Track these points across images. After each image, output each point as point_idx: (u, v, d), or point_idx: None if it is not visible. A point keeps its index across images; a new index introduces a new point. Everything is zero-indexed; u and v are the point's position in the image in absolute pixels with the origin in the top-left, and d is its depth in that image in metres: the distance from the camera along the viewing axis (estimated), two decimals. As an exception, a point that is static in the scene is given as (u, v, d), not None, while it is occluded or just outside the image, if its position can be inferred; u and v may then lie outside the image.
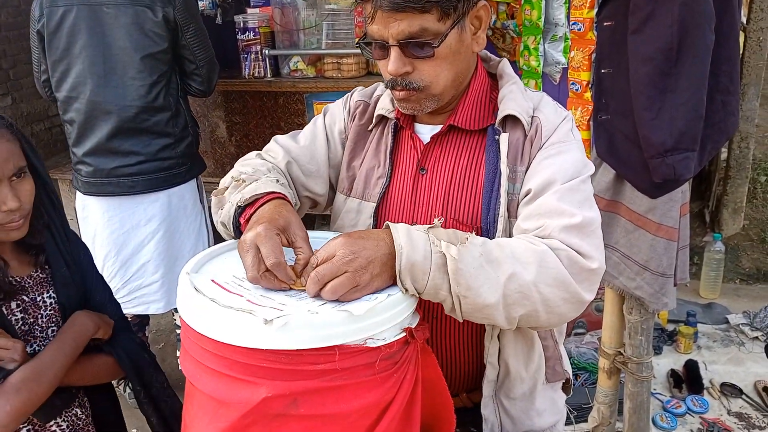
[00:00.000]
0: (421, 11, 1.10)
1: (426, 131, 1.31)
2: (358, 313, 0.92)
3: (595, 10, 2.52)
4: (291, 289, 1.04)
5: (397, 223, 1.07)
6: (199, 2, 4.17)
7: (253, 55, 3.40)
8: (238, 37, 3.42)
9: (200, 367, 0.98)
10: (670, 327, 3.46)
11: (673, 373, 3.10)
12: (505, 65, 1.32)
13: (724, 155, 4.01)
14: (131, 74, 2.56)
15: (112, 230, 2.72)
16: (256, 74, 3.45)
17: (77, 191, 2.78)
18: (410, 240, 1.02)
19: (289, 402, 0.91)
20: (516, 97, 1.25)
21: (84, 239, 2.79)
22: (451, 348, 1.28)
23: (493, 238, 1.18)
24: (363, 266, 1.00)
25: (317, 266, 1.01)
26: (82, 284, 1.51)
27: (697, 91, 1.82)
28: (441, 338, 1.28)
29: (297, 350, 0.90)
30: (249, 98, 3.55)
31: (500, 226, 1.19)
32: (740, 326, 3.49)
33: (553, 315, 1.09)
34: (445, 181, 1.26)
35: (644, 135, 1.87)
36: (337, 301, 1.00)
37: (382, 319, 0.97)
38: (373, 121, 1.36)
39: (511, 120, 1.24)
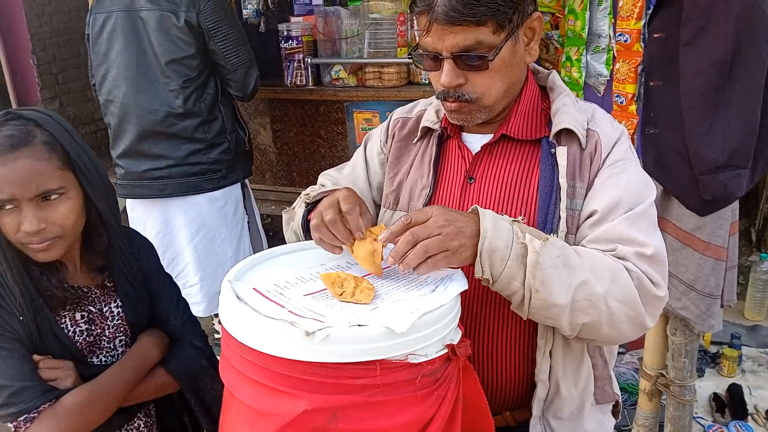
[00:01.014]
0: (477, 24, 1.10)
1: (474, 140, 1.30)
2: (400, 330, 0.91)
3: (643, 22, 2.47)
4: (339, 297, 1.03)
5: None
6: (244, 10, 4.23)
7: (295, 63, 3.43)
8: (281, 45, 3.45)
9: (240, 377, 0.97)
10: (713, 349, 3.36)
11: (715, 397, 3.00)
12: (555, 77, 1.31)
13: (772, 173, 3.89)
14: (160, 79, 2.60)
15: (158, 230, 2.78)
16: (298, 82, 3.47)
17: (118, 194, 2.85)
18: (495, 226, 1.05)
19: (329, 416, 0.90)
20: (570, 110, 1.23)
21: None
22: (499, 365, 1.26)
23: None
24: (455, 233, 1.04)
25: (410, 226, 1.04)
26: (148, 299, 1.49)
27: (751, 105, 1.76)
28: (489, 354, 1.25)
29: (338, 363, 0.89)
30: (290, 106, 3.57)
31: None
32: (788, 350, 3.37)
33: (614, 330, 1.12)
34: (495, 191, 1.25)
35: (695, 151, 1.81)
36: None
37: (424, 334, 0.95)
38: (419, 133, 1.36)
39: (566, 133, 1.22)
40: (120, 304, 1.43)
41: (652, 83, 2.02)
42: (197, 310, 2.86)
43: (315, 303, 1.02)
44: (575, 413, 1.26)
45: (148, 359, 1.41)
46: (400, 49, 3.26)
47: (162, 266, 1.59)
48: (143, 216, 2.80)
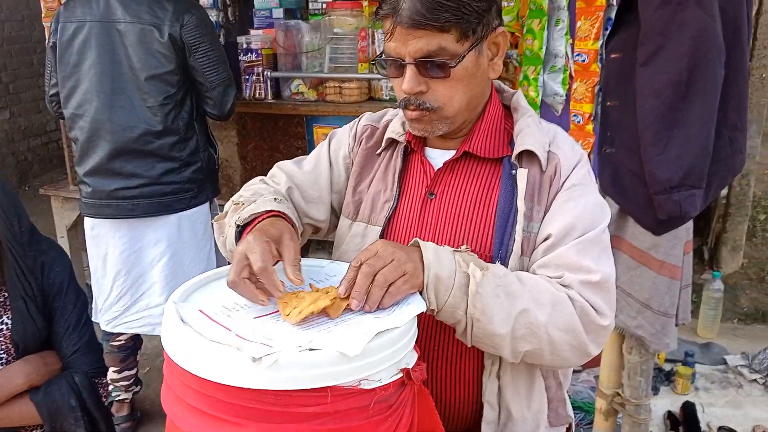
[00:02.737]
0: (440, 30, 1.09)
1: (437, 156, 1.29)
2: (353, 353, 0.87)
3: (600, 42, 2.50)
4: (285, 317, 0.98)
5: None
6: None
7: (254, 77, 3.37)
8: (240, 58, 3.39)
9: (182, 405, 0.92)
10: (668, 366, 3.40)
11: (669, 415, 3.03)
12: (519, 97, 1.30)
13: (723, 192, 3.98)
14: (137, 95, 2.51)
15: (123, 249, 2.66)
16: (257, 96, 3.42)
17: (82, 211, 2.71)
18: (437, 257, 1.07)
19: (277, 446, 0.85)
20: (533, 131, 1.22)
21: (93, 259, 2.73)
22: (447, 385, 1.23)
23: None
24: (405, 259, 1.04)
25: (362, 264, 1.02)
26: (42, 319, 1.44)
27: (706, 126, 1.79)
28: (437, 374, 1.22)
29: (286, 391, 0.84)
30: (249, 120, 3.51)
31: (512, 263, 1.17)
32: (738, 368, 3.43)
33: (557, 357, 1.12)
34: (454, 208, 1.23)
35: (650, 170, 1.83)
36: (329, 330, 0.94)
37: (378, 358, 0.91)
38: (383, 144, 1.34)
39: (527, 155, 1.22)
40: (7, 321, 1.40)
41: (609, 103, 2.04)
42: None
43: (264, 326, 0.97)
44: None
45: (7, 386, 1.37)
46: (361, 65, 3.24)
47: (73, 285, 1.53)
48: (106, 235, 2.67)
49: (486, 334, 1.07)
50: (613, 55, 2.01)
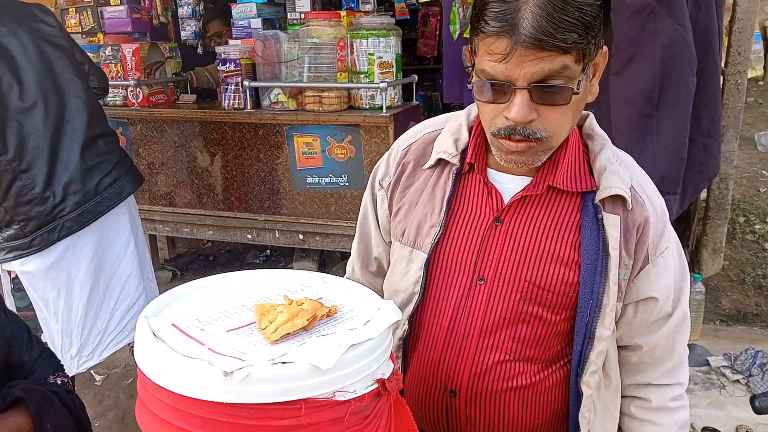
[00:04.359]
0: (564, 52, 0.96)
1: (503, 180, 1.17)
2: (326, 366, 0.87)
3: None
4: (261, 330, 0.98)
5: (455, 276, 1.14)
6: (182, 32, 4.16)
7: (233, 87, 3.38)
8: (218, 68, 3.39)
9: (156, 420, 0.91)
10: (651, 368, 3.42)
11: (654, 417, 3.05)
12: (593, 121, 1.19)
13: (703, 195, 4.04)
14: (69, 82, 2.43)
15: (90, 260, 2.48)
16: (236, 105, 3.42)
17: (54, 243, 2.38)
18: None
19: (250, 460, 0.85)
20: (616, 169, 1.12)
21: (50, 294, 2.50)
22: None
23: (595, 323, 1.12)
24: None
25: None
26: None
27: (679, 133, 1.81)
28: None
29: (259, 404, 0.84)
30: (228, 129, 3.51)
31: (608, 312, 1.12)
32: (721, 369, 3.46)
33: None
34: (527, 239, 1.13)
35: (626, 176, 1.85)
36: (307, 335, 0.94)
37: (352, 370, 0.91)
38: (431, 161, 1.22)
39: (614, 196, 1.11)
40: None
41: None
42: None
43: (238, 339, 0.96)
44: None
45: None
46: (340, 74, 3.26)
47: (5, 305, 1.48)
48: (71, 258, 2.46)
49: None
50: (587, 63, 2.03)
